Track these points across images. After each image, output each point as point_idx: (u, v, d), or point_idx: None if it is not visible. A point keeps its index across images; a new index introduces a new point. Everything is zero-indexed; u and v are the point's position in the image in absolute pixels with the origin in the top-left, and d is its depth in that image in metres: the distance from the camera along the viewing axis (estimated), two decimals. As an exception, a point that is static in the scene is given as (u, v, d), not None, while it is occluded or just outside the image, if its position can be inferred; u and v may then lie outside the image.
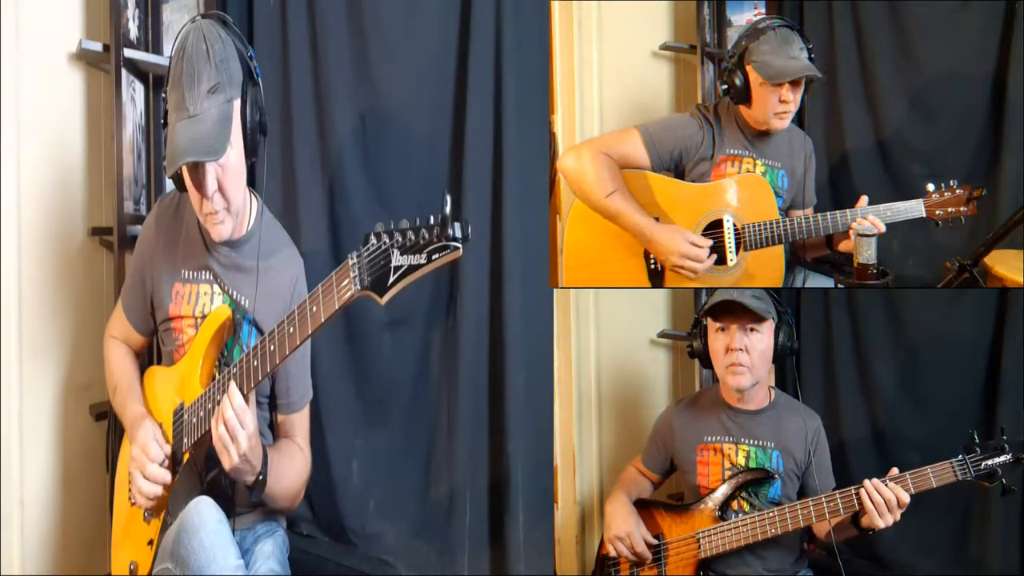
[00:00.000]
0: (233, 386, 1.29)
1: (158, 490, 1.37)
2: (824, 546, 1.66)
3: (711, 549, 1.63)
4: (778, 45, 1.71)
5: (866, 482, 1.48)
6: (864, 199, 1.74)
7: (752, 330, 1.62)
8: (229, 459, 1.29)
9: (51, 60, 1.83)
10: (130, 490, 1.47)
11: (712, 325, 1.67)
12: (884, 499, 1.45)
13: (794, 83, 1.71)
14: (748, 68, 1.73)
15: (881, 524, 1.46)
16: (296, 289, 1.53)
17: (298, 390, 1.56)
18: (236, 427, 1.27)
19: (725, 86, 1.77)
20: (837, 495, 1.52)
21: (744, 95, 1.75)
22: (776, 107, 1.73)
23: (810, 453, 1.66)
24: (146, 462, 1.38)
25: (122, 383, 1.57)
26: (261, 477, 1.36)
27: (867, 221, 1.70)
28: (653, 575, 1.68)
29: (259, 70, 1.41)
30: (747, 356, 1.62)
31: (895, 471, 1.49)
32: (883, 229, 1.71)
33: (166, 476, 1.38)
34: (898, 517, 1.47)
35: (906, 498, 1.46)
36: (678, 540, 1.67)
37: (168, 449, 1.40)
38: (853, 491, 1.50)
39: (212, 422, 1.30)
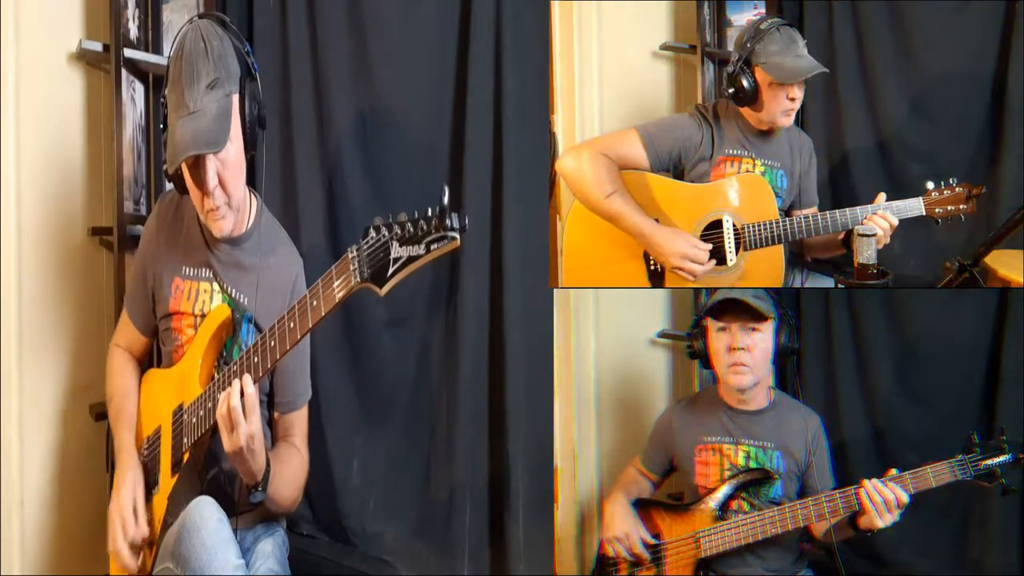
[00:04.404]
0: (247, 377, 1.28)
1: (133, 566, 1.40)
2: (821, 546, 1.66)
3: (710, 549, 1.63)
4: (785, 45, 1.72)
5: (865, 482, 1.48)
6: (882, 196, 1.75)
7: (753, 329, 1.62)
8: (227, 443, 1.29)
9: (51, 60, 1.83)
10: None
11: (713, 325, 1.67)
12: (884, 499, 1.45)
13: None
14: (756, 69, 1.73)
15: (880, 524, 1.46)
16: (296, 288, 1.53)
17: (297, 388, 1.56)
18: (238, 416, 1.27)
19: (732, 89, 1.76)
20: (837, 495, 1.52)
21: (753, 97, 1.75)
22: (785, 105, 1.74)
23: (810, 453, 1.66)
24: (119, 539, 1.39)
25: (116, 396, 1.57)
26: (261, 489, 1.36)
27: (878, 217, 1.71)
28: (652, 575, 1.68)
29: (256, 65, 1.42)
30: (749, 355, 1.62)
31: (893, 472, 1.49)
32: (895, 223, 1.71)
33: (133, 565, 1.39)
34: (897, 517, 1.47)
35: (905, 498, 1.46)
36: (677, 540, 1.67)
37: (145, 531, 1.41)
38: (852, 491, 1.50)
39: (219, 405, 1.29)
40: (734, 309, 1.62)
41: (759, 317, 1.61)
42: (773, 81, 1.71)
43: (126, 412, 1.54)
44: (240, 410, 1.27)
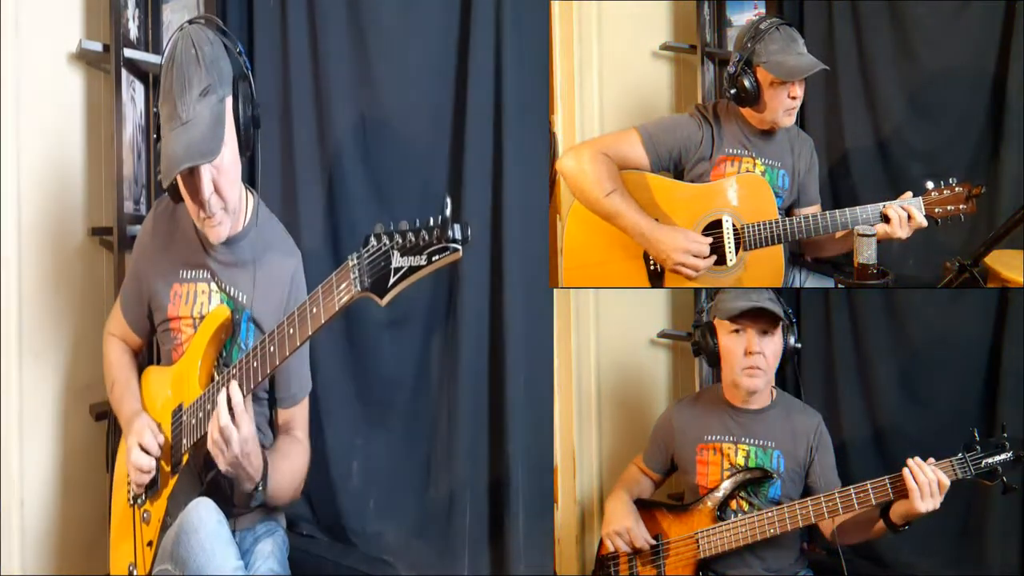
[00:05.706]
0: (234, 385, 1.29)
1: (145, 477, 1.41)
2: (825, 546, 1.66)
3: (710, 549, 1.63)
4: (785, 44, 1.72)
5: (909, 462, 1.45)
6: (908, 194, 1.72)
7: (766, 333, 1.63)
8: (222, 462, 1.30)
9: (51, 60, 1.83)
10: (128, 486, 1.47)
11: (726, 326, 1.66)
12: (928, 479, 1.43)
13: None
14: (757, 69, 1.73)
15: (922, 508, 1.42)
16: (294, 280, 1.53)
17: (298, 383, 1.56)
18: (231, 433, 1.27)
19: (734, 90, 1.76)
20: (836, 494, 1.52)
21: (755, 97, 1.75)
22: (787, 104, 1.74)
23: (811, 452, 1.66)
24: (137, 450, 1.40)
25: (119, 379, 1.58)
26: (260, 488, 1.36)
27: (900, 209, 1.69)
28: (652, 575, 1.68)
29: (249, 64, 1.41)
30: (763, 359, 1.63)
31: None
32: (924, 223, 1.69)
33: (150, 463, 1.41)
34: (938, 504, 1.43)
35: (947, 481, 1.43)
36: (677, 540, 1.67)
37: (162, 439, 1.42)
38: (852, 490, 1.50)
39: (210, 424, 1.30)
40: (751, 313, 1.62)
41: (774, 321, 1.61)
42: (775, 80, 1.71)
43: (131, 388, 1.56)
44: (231, 428, 1.27)
